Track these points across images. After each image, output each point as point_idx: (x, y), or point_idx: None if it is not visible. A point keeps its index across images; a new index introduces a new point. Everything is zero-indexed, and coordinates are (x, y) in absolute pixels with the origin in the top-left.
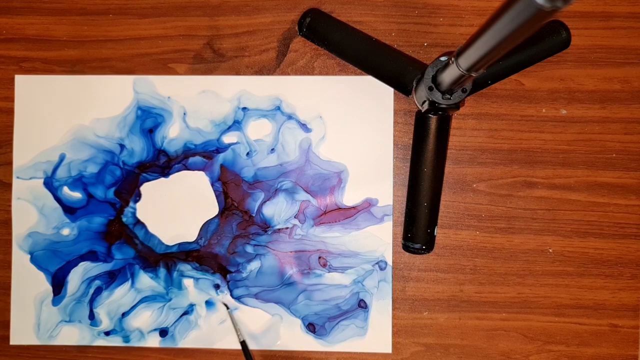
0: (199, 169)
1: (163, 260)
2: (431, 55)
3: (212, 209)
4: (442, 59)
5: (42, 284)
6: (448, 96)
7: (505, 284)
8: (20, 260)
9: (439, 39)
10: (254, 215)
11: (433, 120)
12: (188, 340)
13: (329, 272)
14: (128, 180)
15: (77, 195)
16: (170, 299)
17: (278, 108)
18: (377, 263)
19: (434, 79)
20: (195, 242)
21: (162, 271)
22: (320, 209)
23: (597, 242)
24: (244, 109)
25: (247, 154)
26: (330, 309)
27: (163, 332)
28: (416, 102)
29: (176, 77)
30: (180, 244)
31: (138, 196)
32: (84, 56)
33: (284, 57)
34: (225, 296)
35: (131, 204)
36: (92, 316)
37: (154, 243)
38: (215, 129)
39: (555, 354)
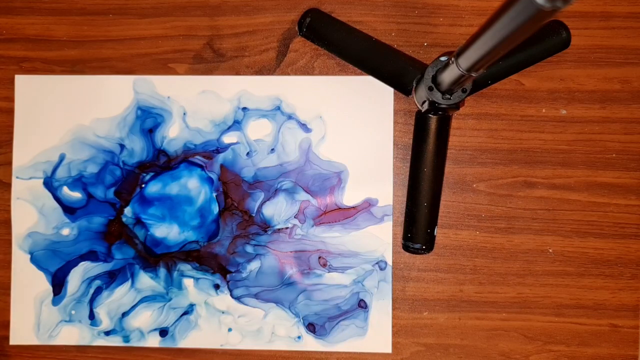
0: (199, 169)
1: (163, 260)
2: (431, 55)
3: (212, 209)
4: (442, 59)
5: (42, 284)
6: (448, 96)
7: (505, 284)
8: (20, 260)
9: (439, 39)
10: (254, 215)
11: (433, 120)
12: (188, 340)
13: (329, 272)
14: (128, 180)
15: (77, 195)
16: (170, 299)
17: (278, 108)
18: (377, 263)
19: (434, 79)
20: (195, 242)
21: (162, 271)
22: (320, 209)
23: (597, 242)
24: (244, 109)
25: (247, 154)
26: (330, 309)
27: (163, 332)
28: (416, 102)
29: (176, 77)
30: (180, 244)
31: (138, 196)
32: (84, 56)
33: (284, 57)
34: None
35: (131, 204)
36: (92, 316)
37: (154, 243)
38: (215, 129)
39: (555, 354)
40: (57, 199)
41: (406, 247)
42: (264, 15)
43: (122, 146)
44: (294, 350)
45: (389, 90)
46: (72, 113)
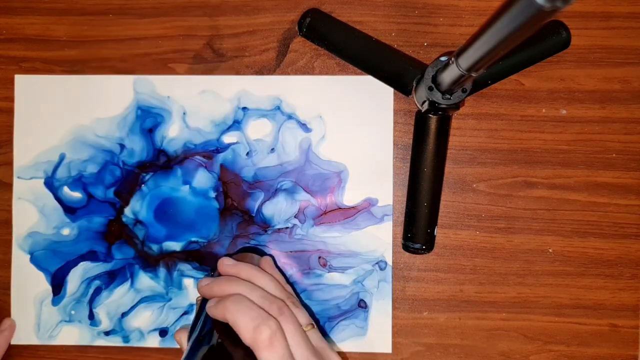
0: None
1: (163, 260)
2: (431, 55)
3: (212, 209)
4: (442, 59)
5: (42, 284)
6: (448, 96)
7: (505, 284)
8: (20, 260)
9: (439, 39)
10: (254, 215)
11: (433, 120)
12: None
13: (329, 272)
14: (128, 180)
15: (77, 195)
16: (170, 299)
17: (278, 108)
18: (377, 263)
19: (434, 79)
20: (195, 242)
21: (162, 271)
22: (320, 209)
23: (597, 242)
24: (244, 108)
25: (247, 154)
26: (330, 309)
27: (163, 332)
28: (416, 102)
29: (176, 77)
30: (180, 244)
31: (138, 196)
32: (84, 56)
33: (284, 57)
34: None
35: (131, 203)
36: (91, 316)
37: (153, 243)
38: (215, 129)
39: (555, 354)
40: (58, 199)
41: (406, 247)
42: (264, 15)
43: (122, 146)
44: None
45: (389, 90)
46: (72, 113)
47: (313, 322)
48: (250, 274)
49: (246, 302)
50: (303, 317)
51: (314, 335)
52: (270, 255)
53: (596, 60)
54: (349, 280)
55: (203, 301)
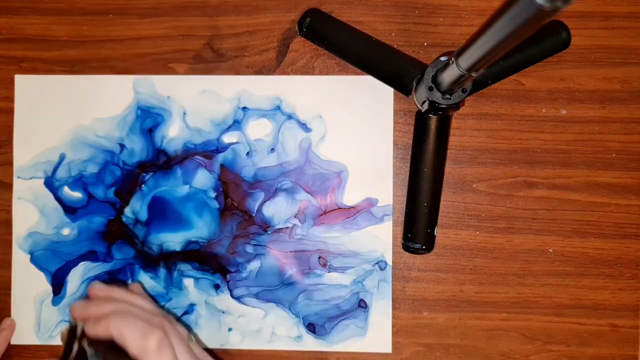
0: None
1: (163, 260)
2: (431, 55)
3: (212, 209)
4: (442, 59)
5: (42, 284)
6: (448, 96)
7: (505, 284)
8: (20, 260)
9: (439, 39)
10: (254, 215)
11: (433, 120)
12: None
13: (329, 272)
14: (128, 180)
15: (77, 195)
16: (170, 299)
17: (278, 108)
18: (377, 263)
19: (434, 79)
20: (195, 242)
21: (162, 271)
22: (320, 208)
23: (597, 242)
24: (244, 108)
25: (247, 153)
26: (330, 309)
27: None
28: (416, 102)
29: (176, 77)
30: (180, 244)
31: (138, 196)
32: (84, 56)
33: (284, 57)
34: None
35: (131, 203)
36: None
37: (154, 243)
38: (215, 129)
39: (555, 354)
40: (58, 199)
41: (406, 247)
42: (264, 15)
43: (122, 146)
44: (294, 350)
45: (389, 90)
46: (72, 113)
47: (191, 335)
48: (124, 294)
49: (129, 315)
50: (182, 331)
51: (195, 347)
52: (139, 282)
53: (596, 60)
54: (349, 280)
55: (72, 329)
